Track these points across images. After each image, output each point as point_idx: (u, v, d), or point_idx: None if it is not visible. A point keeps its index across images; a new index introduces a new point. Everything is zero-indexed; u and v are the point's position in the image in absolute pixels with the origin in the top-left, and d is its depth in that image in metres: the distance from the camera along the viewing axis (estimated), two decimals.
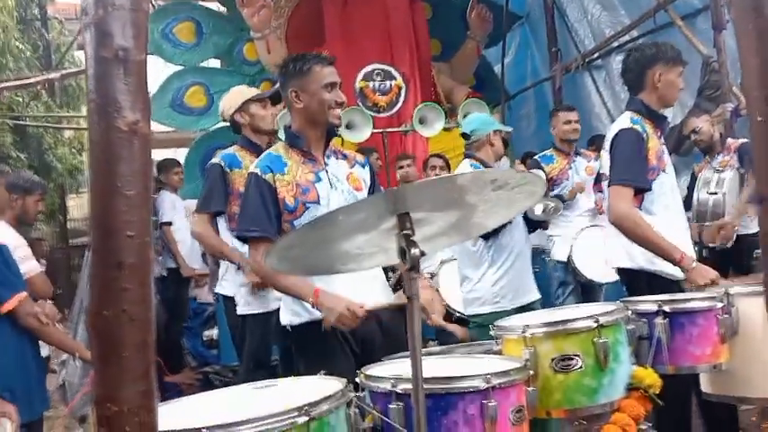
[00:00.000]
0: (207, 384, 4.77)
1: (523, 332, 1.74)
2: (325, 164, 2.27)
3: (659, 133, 2.69)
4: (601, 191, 4.33)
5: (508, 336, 1.81)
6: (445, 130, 5.78)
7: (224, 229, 3.22)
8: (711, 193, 4.06)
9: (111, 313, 1.06)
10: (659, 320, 1.93)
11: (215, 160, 3.22)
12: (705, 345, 1.94)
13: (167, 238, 5.64)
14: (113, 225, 1.05)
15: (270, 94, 3.23)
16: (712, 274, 2.37)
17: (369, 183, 2.37)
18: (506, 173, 1.12)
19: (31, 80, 7.63)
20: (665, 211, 2.59)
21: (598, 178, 4.30)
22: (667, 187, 2.63)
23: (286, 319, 2.25)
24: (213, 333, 6.22)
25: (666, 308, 1.94)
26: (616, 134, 2.63)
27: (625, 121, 2.64)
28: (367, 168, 2.40)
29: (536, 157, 4.72)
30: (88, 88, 1.04)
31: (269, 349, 3.26)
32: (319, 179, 2.23)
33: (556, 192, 4.44)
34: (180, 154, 7.09)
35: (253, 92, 3.39)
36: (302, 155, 2.25)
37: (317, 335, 2.10)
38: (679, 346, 1.93)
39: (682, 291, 2.43)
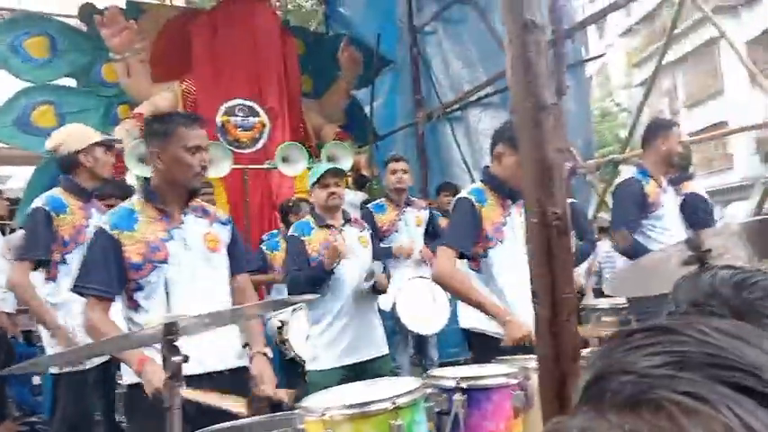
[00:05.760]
0: None
1: (322, 415, 1.78)
2: (182, 222, 2.22)
3: (505, 206, 2.73)
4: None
5: (309, 417, 1.83)
6: (309, 169, 5.81)
7: (40, 280, 3.01)
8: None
9: None
10: (457, 396, 2.03)
11: (38, 203, 3.01)
12: (499, 420, 2.06)
13: None
14: None
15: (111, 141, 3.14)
16: (525, 329, 2.44)
17: (228, 242, 2.35)
18: None
19: None
20: (504, 279, 2.67)
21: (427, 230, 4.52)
22: (504, 257, 2.68)
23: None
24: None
25: (464, 384, 2.05)
26: (454, 201, 2.82)
27: (466, 190, 2.84)
28: (229, 227, 2.37)
29: (368, 205, 4.66)
30: None
31: (86, 412, 3.04)
32: (171, 237, 2.18)
33: (385, 244, 4.39)
34: (25, 171, 6.61)
35: (98, 135, 3.24)
36: (157, 211, 2.20)
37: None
38: (475, 421, 2.04)
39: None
